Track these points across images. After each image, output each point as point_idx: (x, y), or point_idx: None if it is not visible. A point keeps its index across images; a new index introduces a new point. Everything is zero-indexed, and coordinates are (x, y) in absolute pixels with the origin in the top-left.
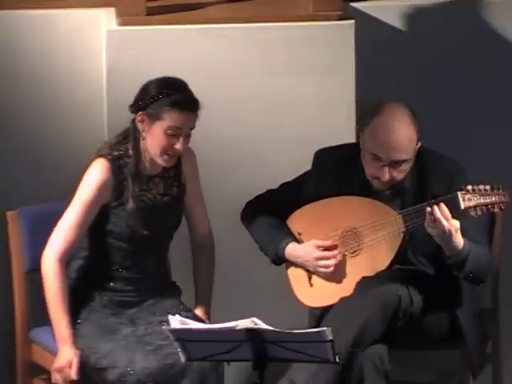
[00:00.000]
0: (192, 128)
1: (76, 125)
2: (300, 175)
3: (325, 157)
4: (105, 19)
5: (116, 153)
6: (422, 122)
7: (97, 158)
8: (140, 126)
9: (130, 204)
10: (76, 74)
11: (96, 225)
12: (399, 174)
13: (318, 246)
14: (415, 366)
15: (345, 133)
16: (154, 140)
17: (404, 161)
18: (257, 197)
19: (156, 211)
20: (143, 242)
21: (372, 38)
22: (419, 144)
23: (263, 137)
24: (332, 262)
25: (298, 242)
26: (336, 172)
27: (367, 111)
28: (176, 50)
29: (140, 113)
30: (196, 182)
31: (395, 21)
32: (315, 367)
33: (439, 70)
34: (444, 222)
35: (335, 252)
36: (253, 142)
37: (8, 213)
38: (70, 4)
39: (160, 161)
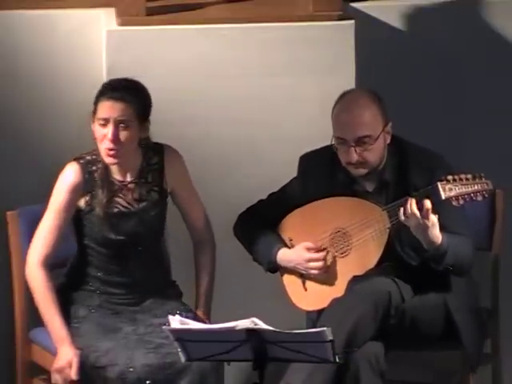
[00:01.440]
0: (125, 118)
1: (76, 125)
2: (287, 183)
3: (309, 160)
4: (105, 19)
5: (89, 157)
6: (421, 122)
7: (70, 161)
8: (92, 127)
9: (97, 211)
10: (76, 74)
11: (77, 230)
12: (369, 154)
13: (308, 249)
14: (414, 365)
15: None
16: (94, 133)
17: (368, 137)
18: (247, 208)
19: (132, 217)
20: (120, 247)
21: (372, 38)
22: (389, 124)
23: (263, 137)
24: (322, 263)
25: (290, 247)
26: (322, 173)
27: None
28: (176, 50)
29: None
30: (186, 181)
31: (395, 21)
32: (311, 367)
33: (439, 70)
34: (418, 216)
35: (324, 253)
36: (253, 142)
37: (8, 213)
38: (69, 4)
39: (104, 158)
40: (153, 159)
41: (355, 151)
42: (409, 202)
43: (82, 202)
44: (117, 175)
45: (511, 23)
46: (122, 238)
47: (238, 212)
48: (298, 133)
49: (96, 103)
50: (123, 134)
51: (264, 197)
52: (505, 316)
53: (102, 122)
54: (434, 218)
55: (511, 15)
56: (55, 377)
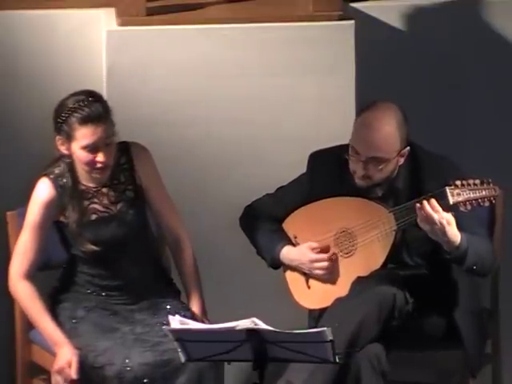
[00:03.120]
0: (109, 137)
1: None
2: (295, 178)
3: (319, 159)
4: (105, 19)
5: (57, 171)
6: (422, 122)
7: (41, 177)
8: (63, 149)
9: (71, 224)
10: (76, 74)
11: (62, 240)
12: (376, 174)
13: (313, 249)
14: (415, 366)
15: (344, 133)
16: (77, 159)
17: (381, 159)
18: (254, 201)
19: (111, 220)
20: (107, 253)
21: (372, 38)
22: (407, 148)
23: (263, 137)
24: (327, 264)
25: (294, 245)
26: (330, 173)
27: (362, 108)
28: (176, 51)
29: (58, 137)
30: (156, 178)
31: (395, 21)
32: (312, 367)
33: (439, 70)
34: (434, 214)
35: (329, 254)
36: (253, 142)
37: (8, 213)
38: (69, 4)
39: (93, 176)
40: (121, 159)
41: (363, 167)
42: (424, 202)
43: (61, 216)
44: (89, 182)
45: (511, 23)
46: (105, 244)
47: (238, 211)
48: (298, 133)
49: (70, 128)
50: (110, 151)
51: None
52: (505, 316)
53: (89, 149)
54: (448, 216)
55: (511, 15)
56: (56, 378)
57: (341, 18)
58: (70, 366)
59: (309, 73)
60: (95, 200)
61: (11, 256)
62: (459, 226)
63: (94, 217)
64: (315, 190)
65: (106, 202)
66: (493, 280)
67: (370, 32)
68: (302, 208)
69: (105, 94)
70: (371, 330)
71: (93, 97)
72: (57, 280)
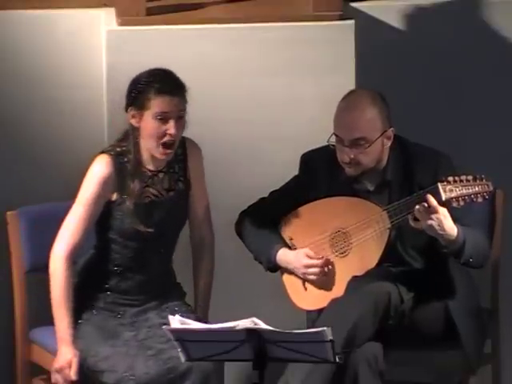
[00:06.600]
0: (182, 111)
1: (76, 125)
2: (288, 181)
3: (310, 159)
4: (105, 19)
5: (119, 149)
6: (422, 122)
7: (100, 154)
8: (133, 122)
9: (129, 202)
10: (76, 74)
11: (103, 223)
12: (362, 157)
13: (309, 256)
14: (414, 365)
15: None
16: (147, 130)
17: (363, 140)
18: (249, 207)
19: (161, 207)
20: (150, 240)
21: (372, 38)
22: (391, 129)
23: (263, 136)
24: (319, 270)
25: (291, 247)
26: (323, 172)
27: None
28: (176, 50)
29: (130, 108)
30: (202, 174)
31: (395, 21)
32: (310, 367)
33: (439, 70)
34: (431, 214)
35: (322, 260)
36: (252, 142)
37: (8, 213)
38: (70, 4)
39: (157, 154)
40: (177, 150)
41: (349, 152)
42: (420, 207)
43: (114, 195)
44: (149, 165)
45: (511, 23)
46: (154, 228)
47: (237, 211)
48: (298, 132)
49: (147, 98)
50: (180, 126)
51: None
52: (505, 316)
53: (161, 117)
54: (443, 210)
55: (511, 15)
56: (55, 377)
57: (341, 18)
58: (69, 366)
59: (309, 73)
60: (151, 184)
61: (11, 256)
62: (454, 219)
63: (147, 200)
64: (309, 190)
65: (159, 187)
66: (493, 279)
67: (370, 32)
68: (297, 210)
69: (105, 94)
70: (367, 329)
71: (169, 73)
72: (77, 273)
